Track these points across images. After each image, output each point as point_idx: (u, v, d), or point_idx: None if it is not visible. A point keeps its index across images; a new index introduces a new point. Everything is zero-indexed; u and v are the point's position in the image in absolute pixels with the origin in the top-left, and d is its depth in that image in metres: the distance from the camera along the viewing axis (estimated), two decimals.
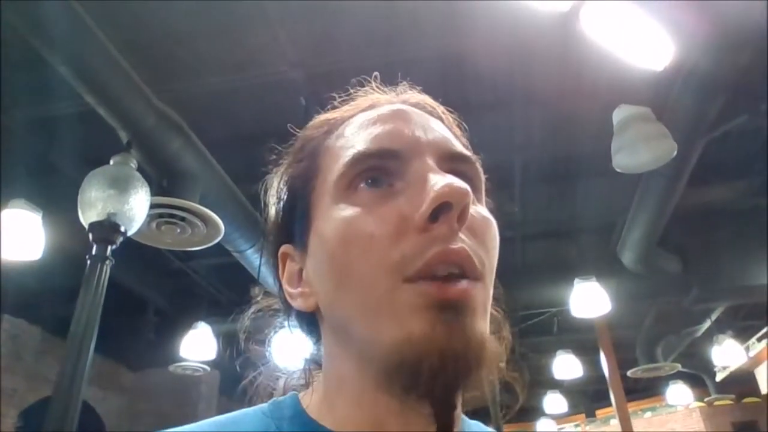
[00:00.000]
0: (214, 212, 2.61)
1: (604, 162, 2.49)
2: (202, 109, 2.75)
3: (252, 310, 0.56)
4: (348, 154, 0.44)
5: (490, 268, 0.42)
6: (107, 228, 2.07)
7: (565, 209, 3.82)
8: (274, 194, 0.51)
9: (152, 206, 2.34)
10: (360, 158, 0.43)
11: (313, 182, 0.46)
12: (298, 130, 0.54)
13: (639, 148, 2.37)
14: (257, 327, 0.57)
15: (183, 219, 2.58)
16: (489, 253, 0.42)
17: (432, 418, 0.39)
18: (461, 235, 0.39)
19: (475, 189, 0.45)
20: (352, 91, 0.53)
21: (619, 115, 2.42)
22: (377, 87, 0.53)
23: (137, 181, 2.22)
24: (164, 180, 2.60)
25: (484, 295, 0.40)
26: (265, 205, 0.53)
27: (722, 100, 2.37)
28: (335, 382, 0.44)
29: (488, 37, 2.32)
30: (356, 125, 0.47)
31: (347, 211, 0.42)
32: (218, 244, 2.91)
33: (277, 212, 0.51)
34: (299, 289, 0.46)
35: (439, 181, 0.39)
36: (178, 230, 2.64)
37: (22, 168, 2.90)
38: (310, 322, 0.49)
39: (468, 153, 0.46)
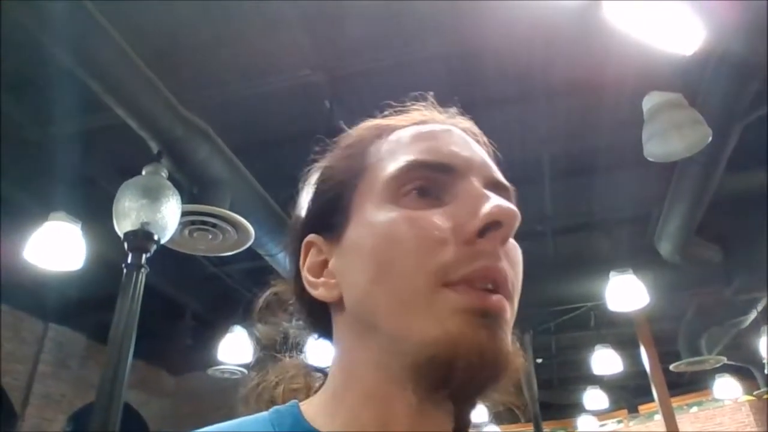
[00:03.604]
0: (244, 217, 2.66)
1: (635, 151, 2.43)
2: (228, 116, 2.79)
3: (267, 293, 0.56)
4: (403, 160, 0.45)
5: (517, 291, 0.44)
6: (141, 237, 2.12)
7: (597, 201, 3.74)
8: (312, 184, 0.52)
9: (184, 214, 2.40)
10: (415, 166, 0.45)
11: (358, 179, 0.48)
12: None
13: (671, 135, 2.30)
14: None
15: (214, 225, 2.63)
16: (518, 278, 0.45)
17: (452, 416, 0.41)
18: (502, 257, 0.42)
19: None
20: (408, 104, 0.55)
21: (649, 102, 2.35)
22: (431, 104, 0.55)
23: (168, 190, 2.28)
24: (195, 187, 2.65)
25: (511, 314, 0.43)
26: (297, 193, 0.54)
27: (757, 83, 2.28)
28: (346, 377, 0.45)
29: (508, 30, 2.29)
30: (410, 135, 0.49)
31: (395, 212, 0.43)
32: (250, 248, 2.96)
33: (312, 201, 0.51)
34: (323, 279, 0.47)
35: (493, 200, 0.42)
36: (210, 236, 2.69)
37: (61, 181, 3.00)
38: (320, 315, 0.49)
39: (507, 183, 0.49)
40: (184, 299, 4.61)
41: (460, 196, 0.44)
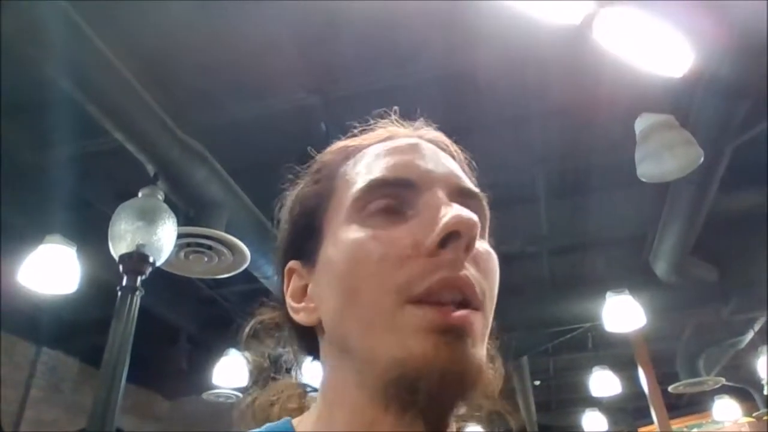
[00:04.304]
0: (241, 239, 2.66)
1: (629, 172, 2.46)
2: (225, 139, 2.81)
3: (253, 322, 0.58)
4: (365, 180, 0.46)
5: (491, 299, 0.44)
6: (136, 259, 2.12)
7: (593, 221, 3.76)
8: (287, 211, 0.54)
9: (180, 236, 2.40)
10: (376, 185, 0.45)
11: (327, 203, 0.49)
12: (318, 154, 0.57)
13: (664, 156, 2.32)
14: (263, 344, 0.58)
15: (210, 247, 2.63)
16: (490, 285, 0.44)
17: None
18: (466, 264, 0.41)
19: (481, 226, 0.46)
20: (372, 121, 0.55)
21: (641, 123, 2.38)
22: (396, 120, 0.55)
23: (164, 213, 2.28)
24: (191, 210, 2.66)
25: (483, 324, 0.42)
26: (278, 221, 0.56)
27: (747, 105, 2.31)
28: (332, 398, 0.46)
29: (501, 54, 2.33)
30: (373, 154, 0.49)
31: (359, 232, 0.44)
32: (246, 270, 2.95)
33: (288, 229, 0.53)
34: (303, 304, 0.49)
35: (451, 211, 0.42)
36: (206, 259, 2.69)
37: (58, 205, 3.00)
38: (309, 337, 0.50)
39: (476, 190, 0.48)
40: (179, 322, 4.57)
41: (423, 210, 0.44)
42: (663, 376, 5.05)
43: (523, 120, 2.73)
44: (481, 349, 0.41)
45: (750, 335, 4.86)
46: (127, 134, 2.27)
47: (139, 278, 2.11)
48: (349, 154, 0.52)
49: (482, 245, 0.45)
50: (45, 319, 4.16)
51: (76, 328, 4.35)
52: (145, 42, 2.35)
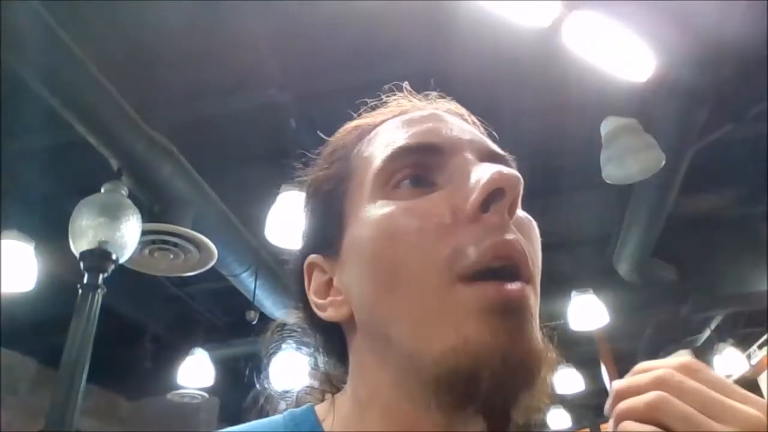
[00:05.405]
0: (208, 237, 2.61)
1: (595, 174, 2.50)
2: (193, 134, 2.76)
3: (273, 327, 0.52)
4: (387, 150, 0.42)
5: (538, 271, 0.40)
6: (98, 256, 2.06)
7: (559, 222, 3.82)
8: (301, 204, 0.50)
9: (144, 233, 2.34)
10: (400, 153, 0.42)
11: (346, 185, 0.45)
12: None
13: (627, 159, 2.39)
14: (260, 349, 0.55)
15: (176, 245, 2.58)
16: (536, 254, 0.40)
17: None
18: (513, 228, 0.38)
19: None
20: (384, 97, 0.52)
21: (606, 126, 2.44)
22: (408, 93, 0.52)
23: (128, 208, 2.23)
24: (156, 206, 2.60)
25: (535, 299, 0.38)
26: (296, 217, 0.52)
27: (706, 110, 2.39)
28: (363, 397, 0.42)
29: (471, 55, 2.34)
30: (391, 126, 0.46)
31: (388, 207, 0.40)
32: (213, 268, 2.90)
33: (305, 221, 0.49)
34: (330, 299, 0.44)
35: (489, 168, 0.38)
36: (171, 256, 2.64)
37: (15, 199, 2.90)
38: (336, 335, 0.46)
39: (505, 153, 0.46)
40: (143, 321, 4.47)
41: (454, 175, 0.40)
42: (625, 374, 5.16)
43: (493, 121, 2.75)
44: (538, 329, 0.38)
45: (707, 333, 5.04)
46: (89, 127, 2.21)
47: (101, 276, 2.06)
48: (362, 132, 0.48)
49: (521, 212, 0.42)
50: (1, 318, 4.01)
51: (34, 327, 4.21)
52: (112, 36, 2.29)
